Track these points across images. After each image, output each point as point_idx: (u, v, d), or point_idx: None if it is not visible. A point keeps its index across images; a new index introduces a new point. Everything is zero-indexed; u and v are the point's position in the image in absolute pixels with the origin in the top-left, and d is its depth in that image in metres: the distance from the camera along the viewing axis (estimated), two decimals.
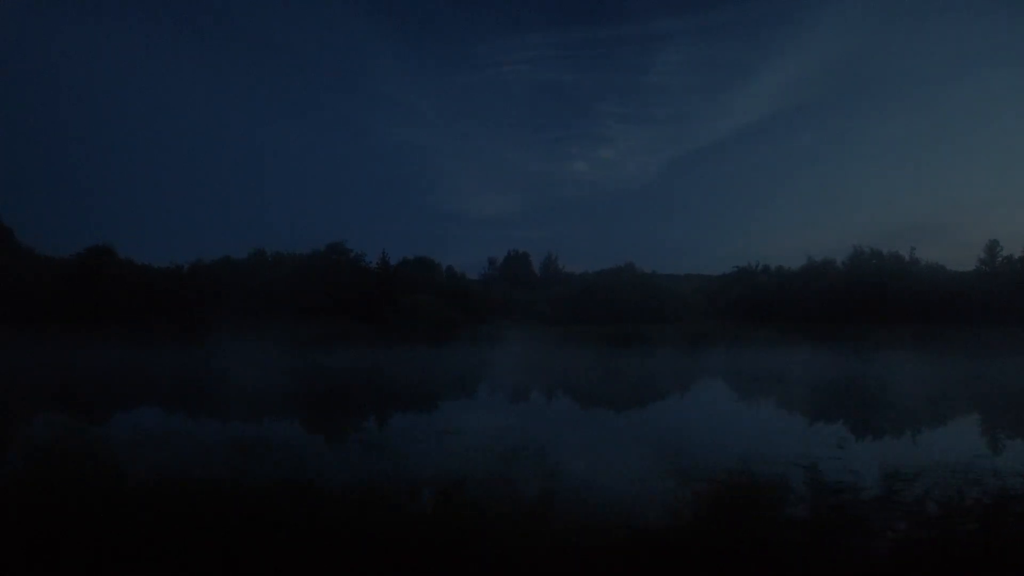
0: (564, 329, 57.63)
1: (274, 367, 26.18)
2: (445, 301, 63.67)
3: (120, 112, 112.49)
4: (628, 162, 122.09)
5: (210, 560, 4.78)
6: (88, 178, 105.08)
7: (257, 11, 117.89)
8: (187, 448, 9.38)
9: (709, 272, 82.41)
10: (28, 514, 5.74)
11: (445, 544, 5.13)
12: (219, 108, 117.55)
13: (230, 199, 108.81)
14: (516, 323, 63.54)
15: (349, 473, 7.98)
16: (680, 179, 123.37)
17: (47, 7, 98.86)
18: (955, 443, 10.35)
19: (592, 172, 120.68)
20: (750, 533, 5.57)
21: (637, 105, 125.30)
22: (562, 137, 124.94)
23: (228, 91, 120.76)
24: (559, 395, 18.42)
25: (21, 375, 23.68)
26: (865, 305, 50.08)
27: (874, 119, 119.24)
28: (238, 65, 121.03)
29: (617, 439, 10.94)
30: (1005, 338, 40.36)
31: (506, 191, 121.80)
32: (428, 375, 23.81)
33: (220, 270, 56.94)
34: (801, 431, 12.20)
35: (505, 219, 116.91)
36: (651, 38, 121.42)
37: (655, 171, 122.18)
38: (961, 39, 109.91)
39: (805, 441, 10.53)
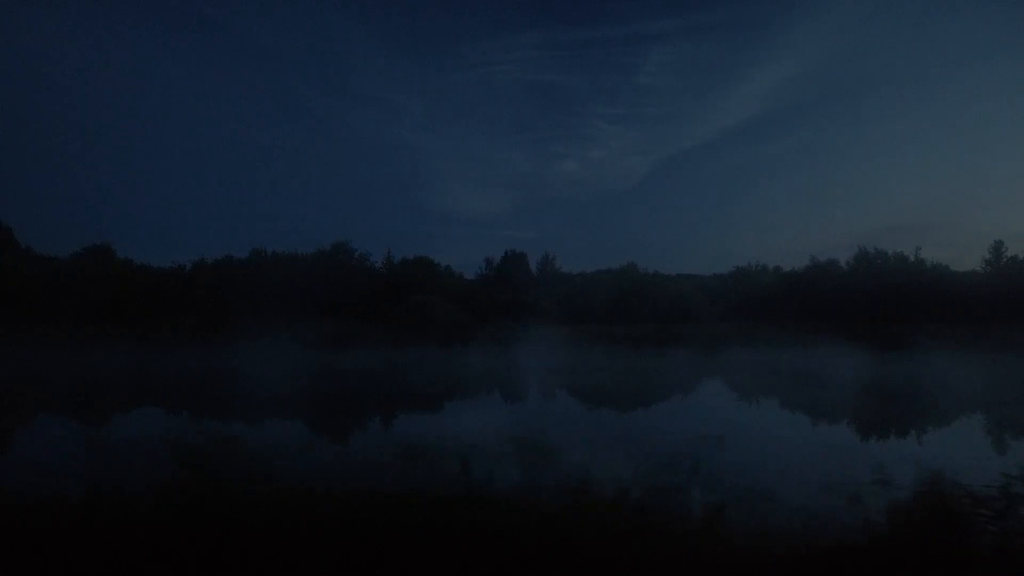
0: (572, 329, 57.07)
1: (313, 369, 25.08)
2: (451, 301, 62.63)
3: (119, 112, 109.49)
4: (619, 162, 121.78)
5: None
6: (87, 178, 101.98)
7: (252, 13, 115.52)
8: (352, 457, 8.55)
9: (701, 272, 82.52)
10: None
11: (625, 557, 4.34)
12: (213, 110, 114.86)
13: (225, 199, 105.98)
14: (520, 323, 62.82)
15: (551, 480, 7.17)
16: (671, 179, 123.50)
17: (43, 9, 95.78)
18: None
19: (582, 172, 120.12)
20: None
21: (627, 106, 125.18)
22: (552, 137, 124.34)
23: (221, 93, 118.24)
24: (654, 402, 17.75)
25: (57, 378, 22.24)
26: (883, 305, 50.69)
27: (869, 118, 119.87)
28: (230, 67, 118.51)
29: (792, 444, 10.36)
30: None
31: (496, 191, 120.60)
32: (487, 377, 23.02)
33: (223, 269, 55.28)
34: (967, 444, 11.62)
35: (496, 219, 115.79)
36: (641, 39, 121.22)
37: (646, 171, 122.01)
38: (959, 33, 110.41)
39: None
